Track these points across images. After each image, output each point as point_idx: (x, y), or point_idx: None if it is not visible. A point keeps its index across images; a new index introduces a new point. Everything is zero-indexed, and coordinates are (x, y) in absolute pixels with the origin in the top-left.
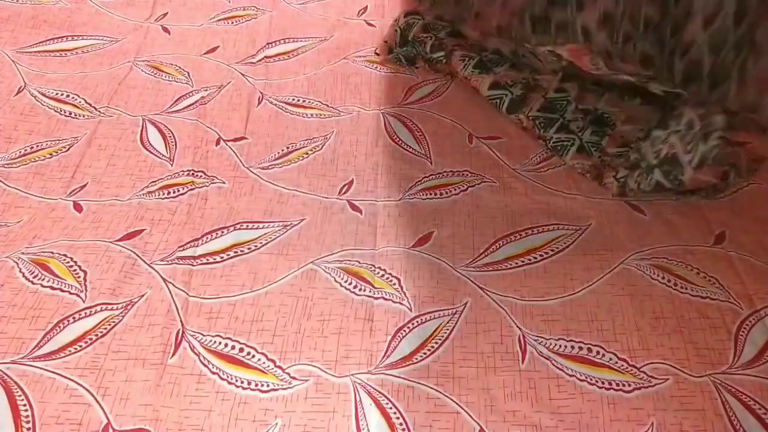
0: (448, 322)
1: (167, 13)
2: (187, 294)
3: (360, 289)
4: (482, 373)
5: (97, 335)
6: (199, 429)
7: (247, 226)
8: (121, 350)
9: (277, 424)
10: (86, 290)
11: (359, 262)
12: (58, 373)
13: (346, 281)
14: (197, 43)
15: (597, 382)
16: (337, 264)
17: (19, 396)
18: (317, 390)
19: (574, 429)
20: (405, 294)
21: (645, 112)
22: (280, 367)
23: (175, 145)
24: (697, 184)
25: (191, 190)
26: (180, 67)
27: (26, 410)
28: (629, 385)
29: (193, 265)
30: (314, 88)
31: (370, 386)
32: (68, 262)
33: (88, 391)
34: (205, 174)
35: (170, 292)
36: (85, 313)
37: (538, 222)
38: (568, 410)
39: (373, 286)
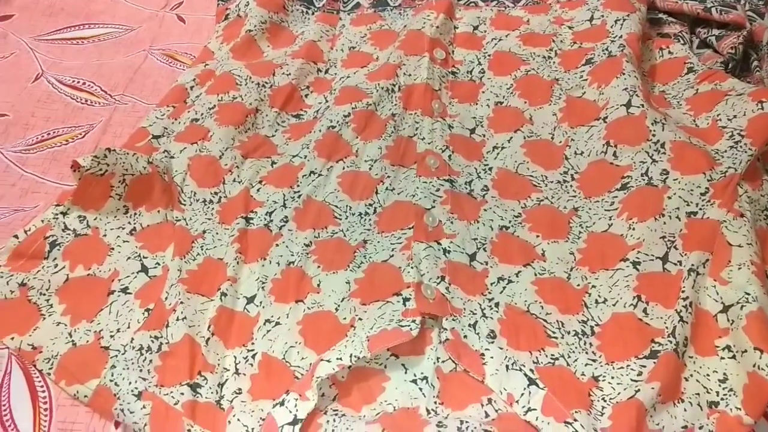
0: None
1: (182, 2)
2: None
3: None
4: None
5: None
6: None
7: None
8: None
9: None
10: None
11: None
12: None
13: None
14: (212, 33)
15: None
16: None
17: (37, 378)
18: None
19: None
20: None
21: None
22: None
23: None
24: None
25: None
26: (194, 57)
27: (44, 392)
28: None
29: None
30: None
31: None
32: None
33: None
34: None
35: None
36: None
37: None
38: None
39: None
